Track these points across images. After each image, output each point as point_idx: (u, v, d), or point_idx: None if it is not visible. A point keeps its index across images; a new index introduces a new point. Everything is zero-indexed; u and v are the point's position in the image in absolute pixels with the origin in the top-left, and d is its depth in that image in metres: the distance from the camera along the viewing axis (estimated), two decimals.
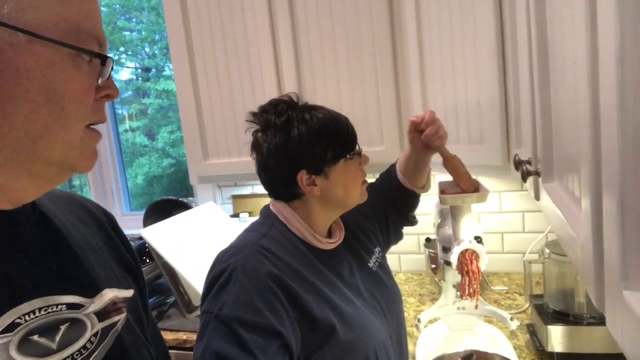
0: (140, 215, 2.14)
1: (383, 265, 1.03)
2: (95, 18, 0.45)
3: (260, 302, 0.73)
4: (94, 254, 0.54)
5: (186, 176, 3.21)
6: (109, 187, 2.57)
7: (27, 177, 0.44)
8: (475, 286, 0.99)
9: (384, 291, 0.97)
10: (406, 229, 1.17)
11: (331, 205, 0.88)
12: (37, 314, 0.43)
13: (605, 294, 0.38)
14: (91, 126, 0.47)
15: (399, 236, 1.16)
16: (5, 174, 0.42)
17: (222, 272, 0.78)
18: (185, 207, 1.98)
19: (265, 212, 0.92)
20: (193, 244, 1.60)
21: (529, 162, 0.77)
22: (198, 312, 1.56)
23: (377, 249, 1.03)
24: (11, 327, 0.41)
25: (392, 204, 1.09)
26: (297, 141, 0.83)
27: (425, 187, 1.09)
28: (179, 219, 1.68)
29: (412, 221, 1.15)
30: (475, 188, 1.00)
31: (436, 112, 1.34)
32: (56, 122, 0.42)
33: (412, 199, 1.10)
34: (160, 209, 2.02)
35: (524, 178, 0.74)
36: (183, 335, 1.50)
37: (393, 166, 1.11)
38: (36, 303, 0.44)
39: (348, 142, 0.88)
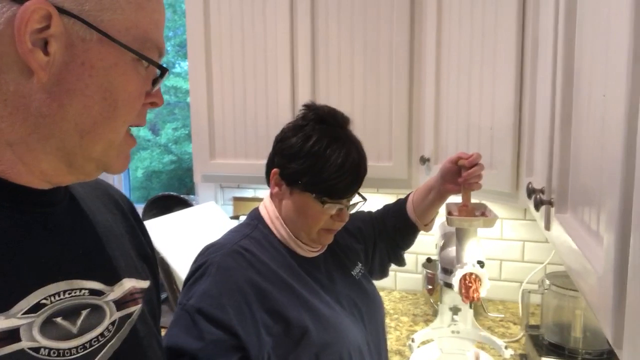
0: (139, 207, 2.13)
1: (366, 275, 1.03)
2: (161, 29, 0.48)
3: (226, 299, 0.76)
4: (116, 242, 0.54)
5: (186, 174, 3.19)
6: (111, 177, 2.56)
7: (67, 167, 0.45)
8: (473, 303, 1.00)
9: (365, 300, 0.97)
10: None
11: (287, 217, 0.89)
12: (62, 296, 0.43)
13: (625, 332, 0.38)
14: (130, 130, 0.49)
15: (383, 272, 1.14)
16: (49, 161, 0.43)
17: (199, 266, 0.82)
18: (186, 204, 1.97)
19: (253, 214, 0.95)
20: (191, 242, 1.58)
21: (542, 191, 0.76)
22: None
23: (360, 265, 1.03)
24: (36, 308, 0.41)
25: (388, 235, 1.08)
26: (291, 145, 0.86)
27: (428, 226, 1.10)
28: (179, 215, 1.67)
29: (400, 260, 1.14)
30: (482, 213, 1.00)
31: (448, 133, 1.36)
32: (105, 120, 0.44)
33: (411, 235, 1.10)
34: (161, 204, 2.02)
35: (537, 207, 0.73)
36: None
37: (403, 200, 1.11)
38: (62, 285, 0.43)
39: (330, 189, 0.85)
